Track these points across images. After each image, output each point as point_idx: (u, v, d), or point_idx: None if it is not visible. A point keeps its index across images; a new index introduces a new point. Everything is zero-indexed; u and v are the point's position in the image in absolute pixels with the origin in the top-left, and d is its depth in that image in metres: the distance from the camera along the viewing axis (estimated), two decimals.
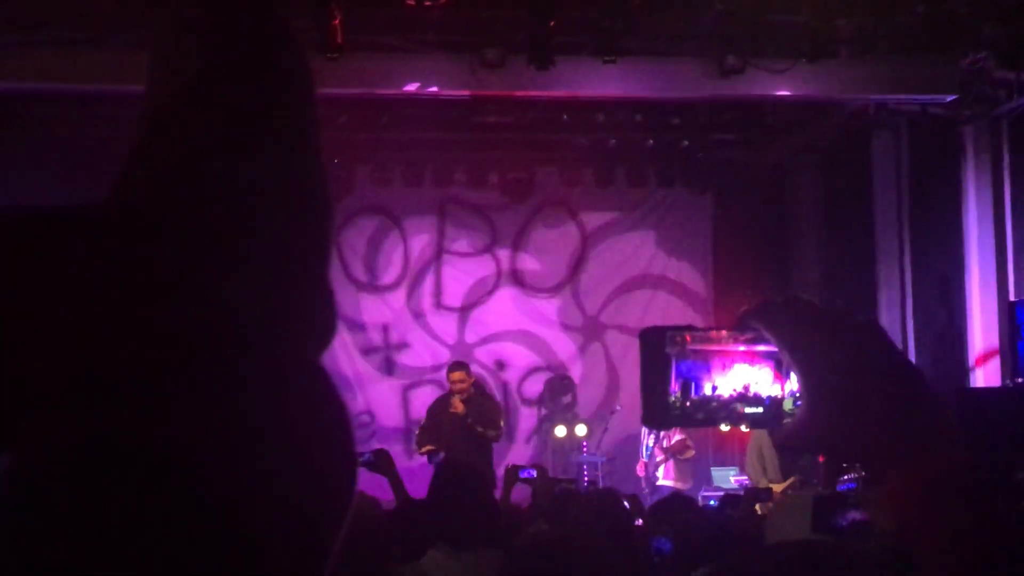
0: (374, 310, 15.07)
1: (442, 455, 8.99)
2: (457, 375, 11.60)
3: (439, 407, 11.51)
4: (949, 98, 12.09)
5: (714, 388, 1.32)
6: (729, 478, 13.23)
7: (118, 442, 0.69)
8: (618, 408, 13.94)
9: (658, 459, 12.75)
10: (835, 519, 4.87)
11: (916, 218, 13.46)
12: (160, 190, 0.80)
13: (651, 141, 14.63)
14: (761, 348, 1.32)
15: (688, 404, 1.31)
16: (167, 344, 0.72)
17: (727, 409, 1.33)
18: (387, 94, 12.11)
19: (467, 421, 11.13)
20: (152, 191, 0.80)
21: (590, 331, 15.46)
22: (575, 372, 15.19)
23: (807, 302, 1.29)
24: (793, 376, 1.30)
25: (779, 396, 1.33)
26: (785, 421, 1.31)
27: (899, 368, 1.24)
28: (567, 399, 14.81)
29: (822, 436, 1.25)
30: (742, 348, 1.33)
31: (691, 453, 12.93)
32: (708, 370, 1.32)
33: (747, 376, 1.33)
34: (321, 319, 0.83)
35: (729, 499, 8.47)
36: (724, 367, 1.32)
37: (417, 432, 11.59)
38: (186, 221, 0.78)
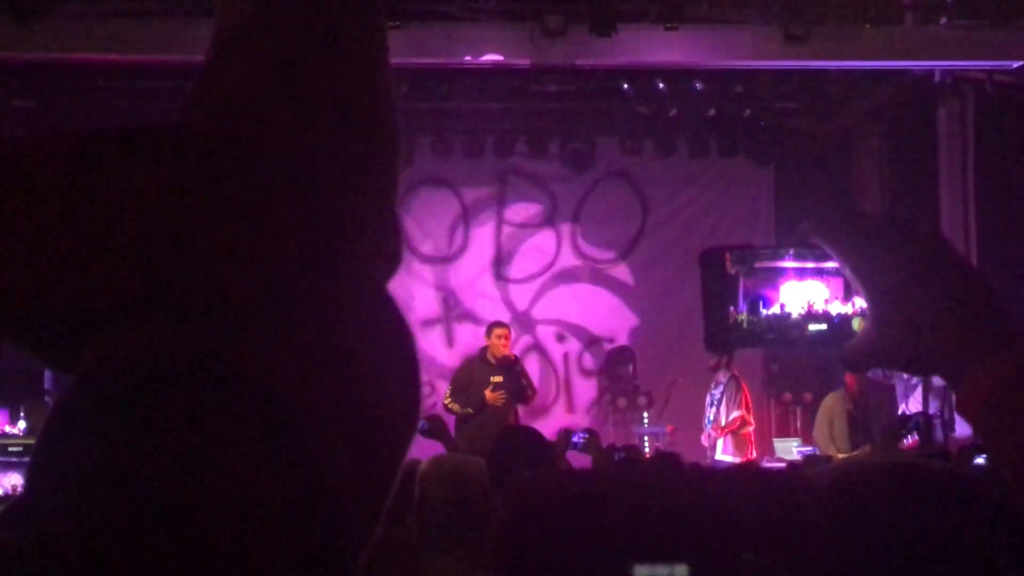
0: (435, 281, 15.10)
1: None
2: (501, 330, 11.65)
3: (474, 369, 11.56)
4: (1016, 64, 11.92)
5: (783, 306, 1.29)
6: (792, 449, 13.16)
7: (190, 359, 0.68)
8: (679, 379, 13.89)
9: (715, 435, 12.70)
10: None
11: (982, 187, 13.31)
12: (227, 110, 0.80)
13: (713, 110, 14.55)
14: (828, 265, 1.29)
15: (756, 323, 1.28)
16: (238, 262, 0.71)
17: (797, 328, 1.29)
18: (448, 64, 12.10)
19: (505, 401, 11.23)
20: (219, 111, 0.80)
21: (650, 303, 15.42)
22: (635, 343, 15.16)
23: (866, 215, 1.26)
24: (860, 293, 1.26)
25: (847, 314, 1.29)
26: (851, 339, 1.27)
27: (964, 274, 1.21)
28: (627, 370, 14.79)
29: (890, 350, 1.22)
30: (809, 265, 1.30)
31: (749, 428, 12.85)
32: (776, 288, 1.29)
33: (814, 294, 1.30)
34: (388, 244, 0.82)
35: (793, 467, 8.42)
36: (792, 285, 1.29)
37: (449, 388, 11.63)
38: (252, 141, 0.77)
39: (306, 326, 0.72)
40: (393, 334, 0.77)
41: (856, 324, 1.29)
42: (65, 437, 0.66)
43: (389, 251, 0.82)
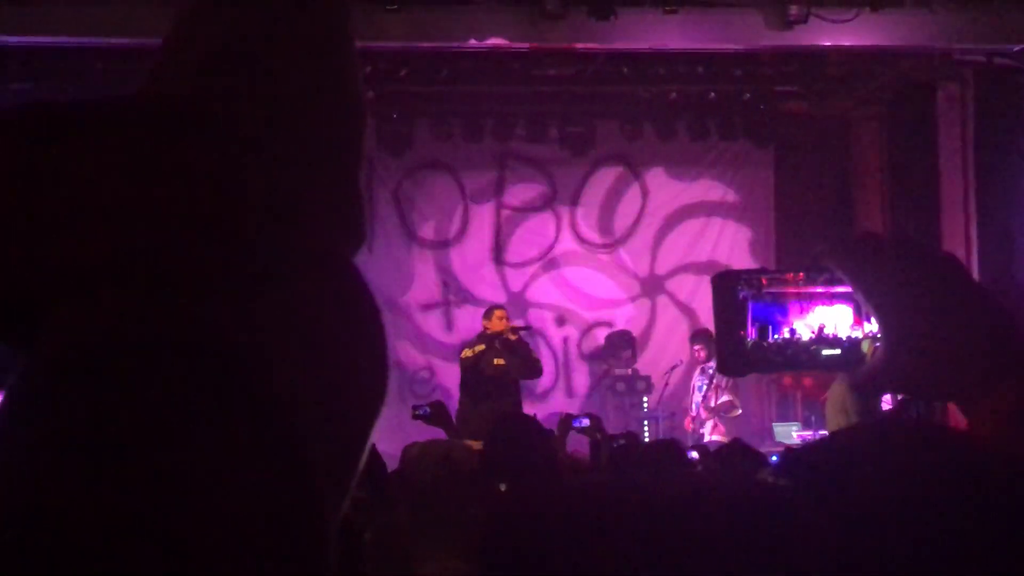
0: (434, 265, 15.10)
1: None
2: (500, 312, 11.66)
3: (473, 361, 11.57)
4: (1016, 47, 11.91)
5: (792, 331, 1.29)
6: (792, 433, 13.17)
7: (152, 329, 0.67)
8: (679, 363, 13.89)
9: (703, 418, 12.73)
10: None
11: (981, 170, 13.30)
12: (184, 84, 0.79)
13: (713, 94, 14.53)
14: (839, 289, 1.28)
15: (766, 348, 1.28)
16: (198, 234, 0.71)
17: (807, 352, 1.29)
18: (447, 47, 12.08)
19: (509, 376, 11.24)
20: (176, 85, 0.79)
21: (651, 287, 15.43)
22: (635, 328, 15.16)
23: (880, 238, 1.25)
24: (871, 317, 1.26)
25: (858, 338, 1.29)
26: (864, 364, 1.27)
27: (977, 299, 1.20)
28: (627, 355, 14.79)
29: (904, 375, 1.21)
30: (819, 289, 1.29)
31: (737, 412, 12.89)
32: (785, 313, 1.29)
33: (824, 318, 1.29)
34: (352, 220, 0.81)
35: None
36: (801, 309, 1.29)
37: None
38: (210, 114, 0.76)
39: (270, 297, 0.71)
40: (359, 308, 0.77)
41: (865, 347, 1.28)
42: (24, 409, 0.65)
43: (352, 227, 0.81)
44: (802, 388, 14.18)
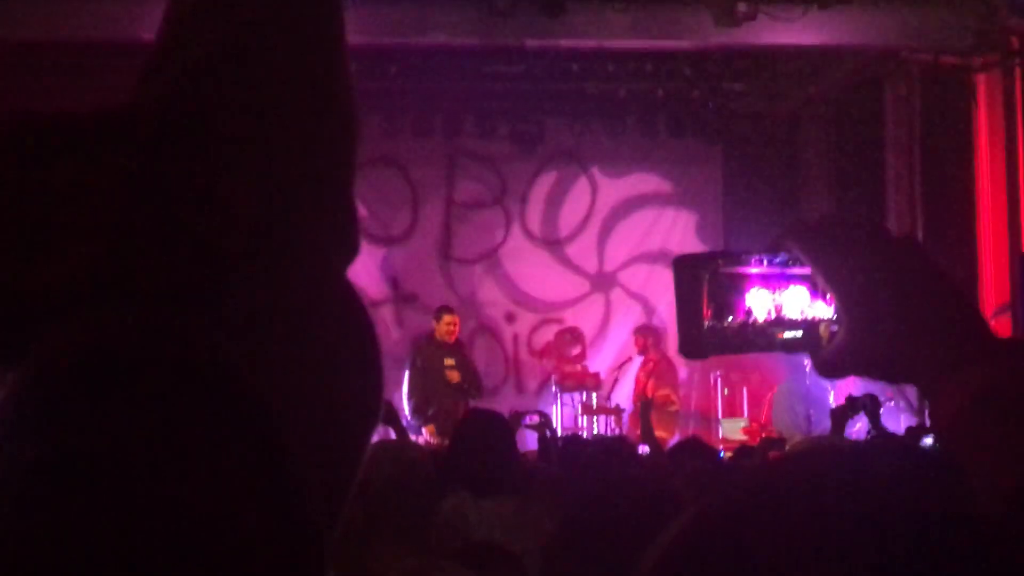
0: (382, 262, 15.05)
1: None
2: (450, 318, 11.71)
3: (422, 358, 11.60)
4: (962, 47, 12.00)
5: (748, 312, 1.28)
6: (737, 429, 13.24)
7: (144, 344, 0.66)
8: (630, 358, 13.93)
9: (635, 407, 12.81)
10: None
11: (927, 169, 13.41)
12: (178, 92, 0.78)
13: (661, 91, 14.56)
14: (795, 271, 1.28)
15: (723, 329, 1.27)
16: (190, 248, 0.69)
17: (764, 334, 1.29)
18: (396, 43, 12.05)
19: (463, 387, 11.29)
20: (170, 93, 0.78)
21: (600, 282, 15.46)
22: (588, 323, 15.18)
23: (841, 221, 1.25)
24: (826, 300, 1.26)
25: (815, 319, 1.28)
26: (824, 346, 1.27)
27: (939, 282, 1.19)
28: (576, 351, 14.80)
29: (864, 358, 1.21)
30: (776, 271, 1.29)
31: (675, 407, 12.96)
32: (741, 294, 1.28)
33: (782, 299, 1.29)
34: (345, 232, 0.80)
35: (744, 450, 8.47)
36: (758, 291, 1.28)
37: (407, 389, 11.71)
38: (204, 125, 0.75)
39: (264, 311, 0.71)
40: (352, 321, 0.76)
41: (821, 330, 1.28)
42: (17, 426, 0.64)
43: (345, 239, 0.80)
44: (748, 384, 14.24)
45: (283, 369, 0.70)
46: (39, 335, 0.68)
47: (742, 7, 11.23)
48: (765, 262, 1.29)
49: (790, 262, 1.28)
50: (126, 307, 0.68)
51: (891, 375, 1.23)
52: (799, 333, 1.29)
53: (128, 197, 0.70)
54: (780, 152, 15.51)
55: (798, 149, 15.55)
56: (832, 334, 1.26)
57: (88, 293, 0.68)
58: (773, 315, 1.29)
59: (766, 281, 1.29)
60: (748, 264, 1.29)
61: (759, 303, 1.29)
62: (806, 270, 1.27)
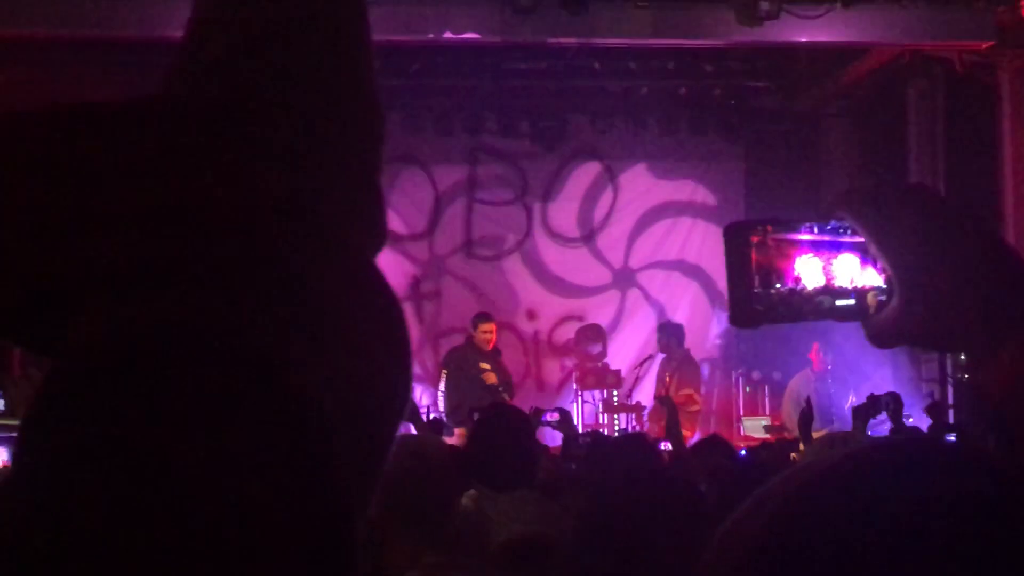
0: (404, 259, 15.05)
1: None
2: (488, 326, 11.72)
3: (458, 362, 11.64)
4: (986, 44, 11.96)
5: (797, 280, 1.26)
6: (760, 427, 13.20)
7: (181, 331, 0.67)
8: (651, 356, 13.91)
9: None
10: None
11: (951, 167, 13.35)
12: (208, 84, 0.79)
13: (683, 89, 14.55)
14: (847, 239, 1.26)
15: (770, 297, 1.25)
16: (225, 234, 0.70)
17: (812, 303, 1.27)
18: (419, 41, 12.06)
19: (498, 389, 11.31)
20: (200, 85, 0.79)
21: (622, 280, 15.43)
22: (606, 321, 15.15)
23: (893, 188, 1.23)
24: (877, 268, 1.24)
25: (864, 288, 1.26)
26: (874, 315, 1.24)
27: (993, 248, 1.17)
28: (598, 348, 14.78)
29: (917, 328, 1.19)
30: (827, 238, 1.27)
31: (696, 407, 12.91)
32: (791, 261, 1.26)
33: (832, 267, 1.27)
34: (374, 221, 0.81)
35: (766, 446, 8.46)
36: (809, 259, 1.26)
37: (444, 390, 11.75)
38: (235, 116, 0.76)
39: (297, 299, 0.71)
40: (383, 310, 0.77)
41: (869, 299, 1.26)
42: (54, 412, 0.65)
43: (375, 228, 0.81)
44: (770, 382, 14.20)
45: (316, 352, 0.71)
46: (77, 322, 0.69)
47: (764, 5, 11.20)
48: (816, 229, 1.27)
49: (841, 230, 1.26)
50: (167, 294, 0.68)
51: (944, 344, 1.22)
52: (851, 301, 1.27)
53: (163, 183, 0.71)
54: (803, 150, 15.45)
55: (821, 147, 15.49)
56: (880, 303, 1.24)
57: (128, 279, 0.69)
58: (822, 283, 1.27)
59: (817, 248, 1.27)
60: (798, 231, 1.27)
61: (809, 271, 1.27)
62: (858, 238, 1.25)
